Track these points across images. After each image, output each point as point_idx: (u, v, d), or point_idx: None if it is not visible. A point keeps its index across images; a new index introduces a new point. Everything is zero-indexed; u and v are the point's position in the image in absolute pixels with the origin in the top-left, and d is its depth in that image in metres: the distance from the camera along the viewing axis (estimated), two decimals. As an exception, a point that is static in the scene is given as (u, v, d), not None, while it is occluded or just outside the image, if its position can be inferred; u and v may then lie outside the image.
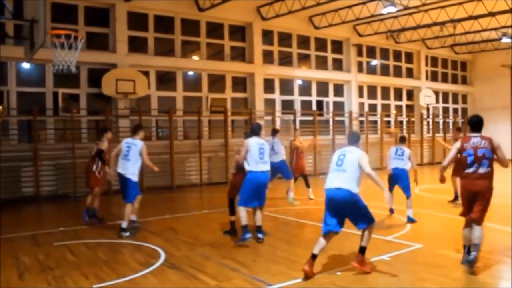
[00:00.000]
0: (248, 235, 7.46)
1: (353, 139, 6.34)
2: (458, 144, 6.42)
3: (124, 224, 8.40)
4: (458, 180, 10.27)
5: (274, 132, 12.33)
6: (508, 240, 7.64)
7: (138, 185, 8.77)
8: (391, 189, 9.61)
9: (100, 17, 15.24)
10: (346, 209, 5.96)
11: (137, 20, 15.78)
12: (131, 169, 8.53)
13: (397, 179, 9.54)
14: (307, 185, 12.80)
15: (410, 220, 9.15)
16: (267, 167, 7.74)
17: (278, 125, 18.69)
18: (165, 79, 17.37)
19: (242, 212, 7.60)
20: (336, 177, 5.99)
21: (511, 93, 26.26)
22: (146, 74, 15.63)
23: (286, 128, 19.51)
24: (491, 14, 17.21)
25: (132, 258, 6.91)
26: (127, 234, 8.32)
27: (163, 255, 6.98)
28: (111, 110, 14.87)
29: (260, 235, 7.77)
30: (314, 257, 5.90)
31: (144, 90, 15.07)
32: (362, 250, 6.08)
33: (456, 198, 11.31)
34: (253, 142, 7.68)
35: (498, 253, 6.94)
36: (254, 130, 7.92)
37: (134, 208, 8.74)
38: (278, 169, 11.62)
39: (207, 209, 11.69)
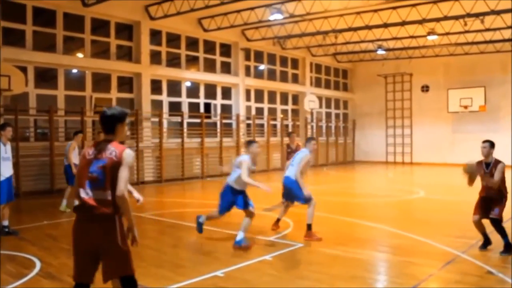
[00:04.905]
0: None
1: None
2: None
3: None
4: None
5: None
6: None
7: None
8: None
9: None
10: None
11: (13, 10, 14.63)
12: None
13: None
14: None
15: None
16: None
17: (165, 127, 18.46)
18: (46, 77, 16.37)
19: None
20: None
21: (385, 101, 28.39)
22: (24, 70, 14.57)
23: (174, 130, 19.37)
24: (368, 27, 18.48)
25: (2, 270, 6.40)
26: None
27: (38, 265, 6.56)
28: (-18, 107, 13.70)
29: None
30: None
31: (21, 87, 13.99)
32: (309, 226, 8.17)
33: None
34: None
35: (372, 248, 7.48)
36: None
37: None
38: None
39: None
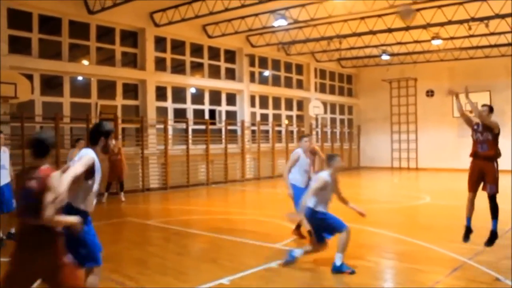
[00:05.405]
0: None
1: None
2: None
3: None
4: None
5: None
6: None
7: None
8: None
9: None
10: None
11: (19, 19, 14.74)
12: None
13: None
14: (121, 189, 14.56)
15: None
16: None
17: (170, 133, 18.45)
18: (52, 84, 16.45)
19: None
20: None
21: (390, 106, 28.34)
22: (30, 77, 14.63)
23: (180, 137, 19.38)
24: (372, 32, 18.48)
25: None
26: None
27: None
28: (-12, 115, 13.77)
29: None
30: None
31: (27, 94, 14.07)
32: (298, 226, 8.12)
33: None
34: None
35: (375, 255, 7.44)
36: None
37: None
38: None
39: (97, 221, 11.22)
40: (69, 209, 4.29)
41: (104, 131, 4.59)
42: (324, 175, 6.60)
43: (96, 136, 4.58)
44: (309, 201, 6.44)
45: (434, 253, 7.46)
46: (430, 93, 26.98)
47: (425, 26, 17.51)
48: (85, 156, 4.38)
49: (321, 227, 6.55)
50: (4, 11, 14.19)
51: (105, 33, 17.18)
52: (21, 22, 14.82)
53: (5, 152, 8.53)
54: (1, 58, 13.96)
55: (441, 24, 17.27)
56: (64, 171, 4.29)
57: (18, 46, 14.91)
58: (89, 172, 4.38)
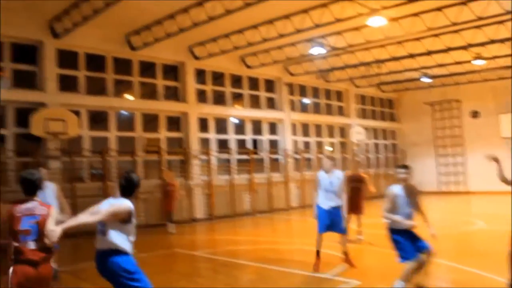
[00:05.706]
0: None
1: None
2: None
3: None
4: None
5: None
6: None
7: None
8: None
9: (27, 54, 14.74)
10: None
11: (67, 58, 15.41)
12: None
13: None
14: (170, 221, 14.69)
15: None
16: None
17: (214, 164, 18.58)
18: (98, 119, 16.97)
19: None
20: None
21: (434, 129, 27.72)
22: (77, 113, 15.19)
23: (223, 167, 19.47)
24: (411, 56, 18.28)
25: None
26: None
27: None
28: (41, 151, 14.27)
29: None
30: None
31: (75, 130, 14.56)
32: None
33: None
34: None
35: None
36: None
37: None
38: None
39: (145, 253, 11.33)
40: (111, 252, 4.69)
41: (137, 183, 5.01)
42: (393, 188, 6.39)
43: (132, 189, 4.97)
44: (386, 218, 6.26)
45: (492, 282, 7.14)
46: (475, 114, 26.30)
47: (465, 47, 17.18)
48: (121, 206, 4.77)
49: (396, 248, 6.31)
50: (53, 52, 14.88)
51: (147, 68, 17.67)
52: (69, 61, 15.49)
53: (48, 187, 8.40)
54: (51, 96, 14.59)
55: (482, 44, 16.89)
56: (94, 213, 4.78)
57: (66, 84, 15.53)
58: (126, 219, 4.76)
